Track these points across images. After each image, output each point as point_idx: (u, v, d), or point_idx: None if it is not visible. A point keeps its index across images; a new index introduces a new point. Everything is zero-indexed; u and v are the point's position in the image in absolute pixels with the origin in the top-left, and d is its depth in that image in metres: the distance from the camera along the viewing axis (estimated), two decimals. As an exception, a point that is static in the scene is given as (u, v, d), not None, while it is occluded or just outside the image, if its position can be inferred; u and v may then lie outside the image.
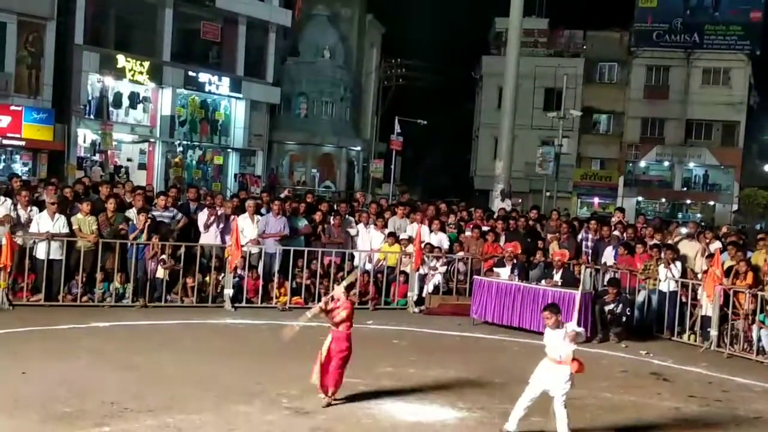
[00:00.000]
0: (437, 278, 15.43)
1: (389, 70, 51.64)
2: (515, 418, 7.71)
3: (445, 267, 15.62)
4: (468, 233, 16.49)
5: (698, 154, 53.38)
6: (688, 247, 14.48)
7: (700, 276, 13.63)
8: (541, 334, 12.91)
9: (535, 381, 7.72)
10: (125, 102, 34.83)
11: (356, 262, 15.37)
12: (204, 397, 8.22)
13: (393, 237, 15.42)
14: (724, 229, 17.03)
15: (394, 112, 44.42)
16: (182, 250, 13.73)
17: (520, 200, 39.15)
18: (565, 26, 54.72)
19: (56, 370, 8.96)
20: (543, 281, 13.93)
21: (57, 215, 12.93)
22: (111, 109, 33.30)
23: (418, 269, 14.95)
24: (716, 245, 14.21)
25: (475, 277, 14.78)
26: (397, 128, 41.46)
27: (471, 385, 9.44)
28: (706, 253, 14.06)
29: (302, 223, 15.38)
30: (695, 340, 13.32)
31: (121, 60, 33.33)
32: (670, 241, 14.97)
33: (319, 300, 14.19)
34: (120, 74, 33.29)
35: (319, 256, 14.68)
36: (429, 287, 15.33)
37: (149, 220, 13.41)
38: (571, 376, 7.54)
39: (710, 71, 52.75)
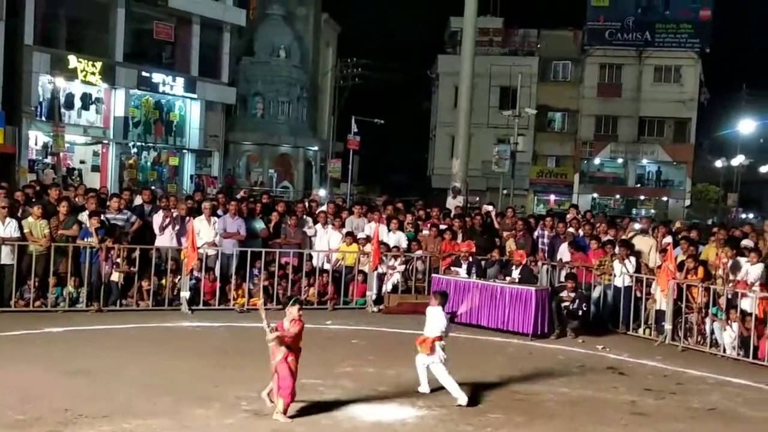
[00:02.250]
0: (396, 277, 15.44)
1: (345, 69, 51.60)
2: (456, 391, 8.59)
3: (404, 266, 15.64)
4: (425, 232, 16.54)
5: (651, 150, 54.29)
6: (642, 243, 14.70)
7: (654, 271, 13.83)
8: (499, 331, 13.14)
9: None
10: (77, 103, 34.28)
11: (315, 262, 15.32)
12: (161, 401, 8.11)
13: (351, 236, 15.41)
14: (677, 224, 17.30)
15: (351, 111, 44.41)
16: (137, 253, 13.55)
17: (477, 198, 39.41)
18: (520, 25, 55.26)
19: (8, 376, 8.77)
20: (500, 278, 14.04)
21: (8, 219, 12.66)
22: (63, 110, 32.70)
23: (376, 268, 14.95)
24: (669, 240, 14.44)
25: (433, 275, 14.83)
26: (354, 128, 41.46)
27: (430, 383, 9.44)
28: (660, 248, 14.30)
29: (260, 225, 15.29)
30: (650, 334, 13.52)
31: (73, 60, 32.80)
32: (623, 237, 15.18)
33: (278, 302, 14.22)
34: (72, 75, 32.75)
35: (276, 257, 14.61)
36: (388, 286, 15.34)
37: (101, 224, 13.20)
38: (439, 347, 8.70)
39: (662, 69, 53.68)
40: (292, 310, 7.88)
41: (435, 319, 8.86)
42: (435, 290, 9.37)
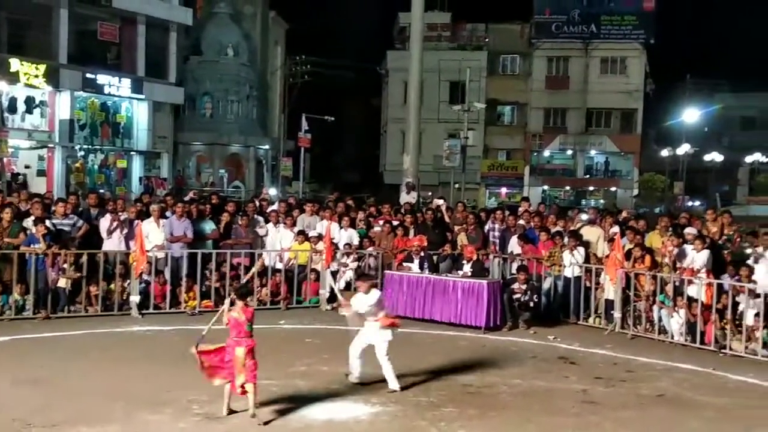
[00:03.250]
0: (348, 274, 15.43)
1: (294, 67, 51.35)
2: (392, 377, 8.98)
3: (356, 263, 15.64)
4: (377, 228, 16.55)
5: (599, 141, 55.11)
6: (590, 233, 14.90)
7: (602, 260, 14.04)
8: (452, 325, 13.21)
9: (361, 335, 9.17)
10: (21, 107, 33.62)
11: (267, 261, 15.22)
12: (113, 407, 8.00)
13: (303, 235, 15.35)
14: (624, 214, 17.58)
15: (301, 109, 44.27)
16: (84, 258, 13.34)
17: (430, 193, 39.55)
18: (467, 20, 55.55)
19: (-47, 389, 8.59)
20: (453, 273, 14.13)
21: (-51, 228, 12.38)
22: (6, 114, 31.98)
23: (329, 266, 14.92)
24: (616, 230, 14.66)
25: (386, 271, 14.85)
26: (305, 125, 41.34)
27: (384, 379, 9.47)
28: (607, 238, 14.52)
29: (209, 226, 15.14)
30: (600, 323, 13.73)
31: (15, 64, 32.13)
32: (572, 228, 15.38)
33: (231, 303, 14.09)
34: (14, 79, 32.09)
35: (228, 258, 14.50)
36: (340, 284, 15.31)
37: (47, 230, 12.97)
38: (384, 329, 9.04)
39: (608, 60, 54.48)
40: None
41: (374, 299, 9.18)
42: (359, 276, 9.66)
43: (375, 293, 9.26)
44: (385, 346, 9.03)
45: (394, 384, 8.97)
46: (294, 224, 15.91)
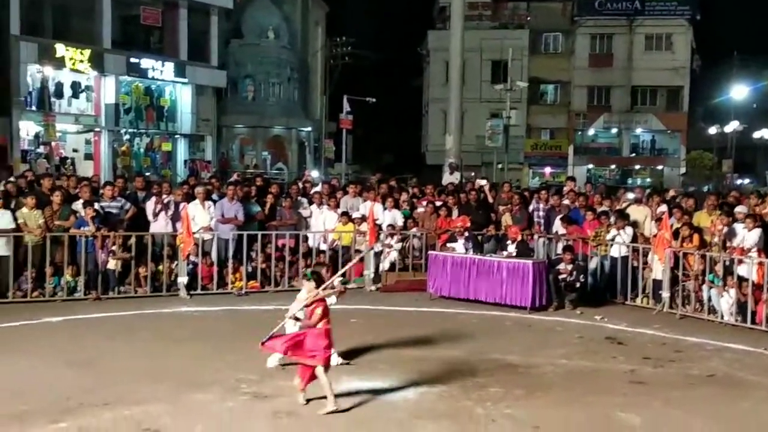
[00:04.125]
0: (393, 255, 15.45)
1: (335, 48, 51.28)
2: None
3: (400, 244, 15.64)
4: (421, 209, 16.53)
5: (645, 119, 54.24)
6: (637, 212, 14.71)
7: (650, 240, 13.85)
8: (497, 305, 13.17)
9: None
10: (67, 92, 34.10)
11: (311, 243, 15.31)
12: (162, 387, 8.12)
13: (346, 216, 15.39)
14: (672, 192, 17.31)
15: (342, 90, 44.21)
16: (133, 239, 13.54)
17: (473, 173, 39.35)
18: (509, -2, 54.92)
19: (8, 367, 8.79)
20: (497, 253, 14.06)
21: (2, 211, 12.64)
22: (53, 99, 32.54)
23: (372, 247, 14.95)
24: (663, 209, 14.44)
25: (430, 252, 14.83)
26: (346, 107, 41.29)
27: (430, 360, 9.48)
28: (655, 217, 14.31)
29: (256, 208, 15.27)
30: (648, 303, 13.57)
31: (61, 49, 32.56)
32: (618, 207, 15.19)
33: (276, 284, 14.25)
34: (60, 64, 32.56)
35: (273, 240, 14.61)
36: (385, 264, 15.35)
37: (96, 212, 13.19)
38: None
39: (653, 37, 53.49)
40: (309, 285, 7.76)
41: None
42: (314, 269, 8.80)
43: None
44: None
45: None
46: (337, 205, 15.96)
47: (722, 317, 12.36)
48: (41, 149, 32.19)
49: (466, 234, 14.53)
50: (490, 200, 17.19)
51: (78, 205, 13.63)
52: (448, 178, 22.61)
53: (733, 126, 52.83)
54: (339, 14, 53.93)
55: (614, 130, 55.06)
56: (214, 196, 15.17)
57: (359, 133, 49.80)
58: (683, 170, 54.11)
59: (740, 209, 13.62)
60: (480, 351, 10.12)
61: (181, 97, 39.37)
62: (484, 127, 42.96)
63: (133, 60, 36.01)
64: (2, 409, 7.26)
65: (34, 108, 32.30)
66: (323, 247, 15.30)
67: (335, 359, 8.95)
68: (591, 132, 55.47)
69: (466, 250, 14.25)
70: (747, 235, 12.61)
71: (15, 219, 12.78)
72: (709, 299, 12.66)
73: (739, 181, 52.23)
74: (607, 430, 7.20)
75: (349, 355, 9.54)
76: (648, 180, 51.33)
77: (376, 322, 12.01)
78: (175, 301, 13.16)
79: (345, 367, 9.07)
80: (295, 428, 7.05)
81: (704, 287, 12.74)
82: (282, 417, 7.31)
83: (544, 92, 56.00)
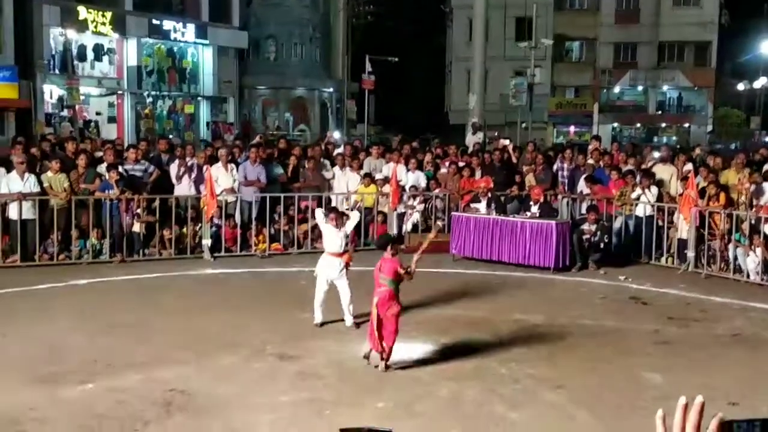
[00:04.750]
0: (415, 216, 15.42)
1: (357, 7, 50.75)
2: (318, 312, 9.11)
3: (423, 205, 15.60)
4: (444, 170, 16.45)
5: (671, 76, 53.33)
6: (663, 171, 14.55)
7: (676, 199, 13.71)
8: (521, 266, 13.13)
9: (319, 275, 9.06)
10: (90, 55, 34.11)
11: (333, 204, 15.30)
12: (188, 348, 8.22)
13: (369, 178, 15.35)
14: (697, 151, 17.08)
15: (364, 50, 43.79)
16: (157, 202, 13.62)
17: (496, 133, 39.06)
18: (533, -47, 53.92)
19: (37, 330, 8.92)
20: (521, 214, 14.00)
21: (27, 174, 12.73)
22: (76, 62, 32.57)
23: (395, 208, 14.93)
24: (689, 167, 14.27)
25: (453, 213, 14.79)
26: (369, 67, 40.94)
27: (453, 320, 9.50)
28: (681, 176, 14.15)
29: (279, 170, 15.28)
30: (673, 263, 13.48)
31: (83, 12, 32.52)
32: (644, 166, 15.02)
33: (299, 246, 14.29)
34: (82, 26, 32.52)
35: (295, 202, 14.63)
36: (408, 226, 15.33)
37: (120, 175, 13.26)
38: (344, 265, 9.02)
39: (681, -9, 52.40)
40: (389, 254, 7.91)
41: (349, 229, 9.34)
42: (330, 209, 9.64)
43: (349, 225, 9.22)
44: (343, 276, 9.07)
45: (350, 320, 9.14)
46: (360, 167, 15.92)
47: (748, 276, 12.25)
48: (65, 112, 32.33)
49: (489, 195, 14.45)
50: (514, 160, 17.06)
51: (102, 168, 13.71)
52: (471, 138, 22.45)
53: (762, 82, 51.87)
54: (361, -28, 53.25)
55: (640, 88, 54.25)
56: (240, 160, 15.19)
57: (382, 94, 49.49)
58: (710, 128, 53.31)
59: (768, 167, 13.42)
60: (503, 311, 10.12)
61: (203, 58, 39.27)
62: (507, 86, 42.39)
63: (155, 22, 35.91)
64: (30, 371, 7.39)
65: (57, 71, 32.37)
66: (346, 208, 15.29)
67: (349, 320, 9.04)
68: (616, 90, 54.70)
69: (489, 210, 14.18)
70: (775, 194, 12.45)
71: (40, 182, 12.88)
72: (735, 258, 12.54)
73: (767, 139, 51.43)
74: (631, 390, 7.19)
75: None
76: (674, 138, 50.65)
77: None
78: (200, 264, 13.25)
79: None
80: (320, 388, 7.12)
81: (730, 246, 12.62)
82: (307, 378, 7.38)
83: (569, 49, 55.18)
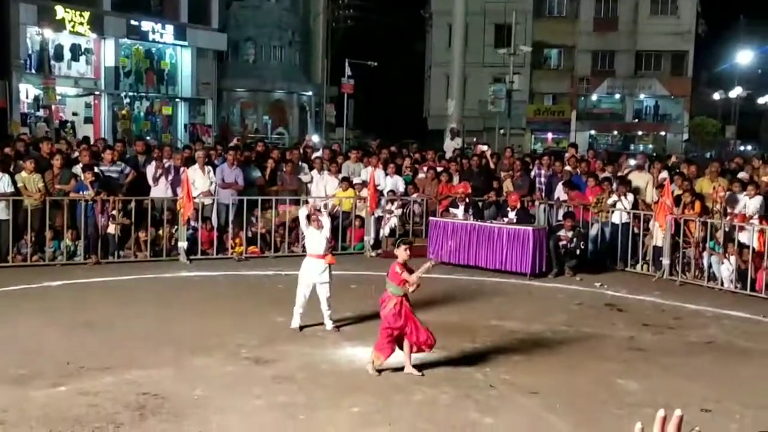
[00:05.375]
0: (393, 221, 15.43)
1: (337, 11, 50.75)
2: (297, 317, 9.08)
3: (401, 209, 15.61)
4: (422, 175, 16.47)
5: (648, 85, 53.80)
6: (639, 179, 14.66)
7: (651, 206, 13.81)
8: (498, 271, 13.17)
9: (302, 279, 9.05)
10: (67, 54, 33.84)
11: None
12: (163, 351, 8.15)
13: (347, 182, 15.34)
14: (673, 159, 17.23)
15: (344, 54, 43.81)
16: (132, 204, 13.51)
17: (474, 139, 39.17)
18: (513, -40, 54.18)
19: (8, 331, 8.81)
20: (498, 219, 14.04)
21: (0, 174, 12.59)
22: (53, 62, 32.26)
23: (373, 213, 14.92)
24: (665, 175, 14.39)
25: (430, 218, 14.81)
26: (348, 71, 40.94)
27: (429, 325, 9.48)
28: (656, 184, 14.26)
29: (256, 174, 15.22)
30: (648, 270, 13.57)
31: (60, 11, 32.25)
32: (620, 174, 15.13)
33: (276, 249, 14.24)
34: (60, 26, 32.24)
35: (273, 205, 14.58)
36: (385, 230, 15.34)
37: (95, 176, 13.14)
38: (328, 267, 9.03)
39: (658, 1, 52.84)
40: (400, 252, 7.77)
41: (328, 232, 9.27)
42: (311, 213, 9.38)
43: (327, 225, 9.16)
44: (327, 280, 9.05)
45: (330, 324, 9.16)
46: (339, 171, 15.90)
47: (722, 284, 12.37)
48: (41, 112, 32.03)
49: (467, 200, 14.48)
50: (492, 166, 17.13)
51: (78, 169, 13.58)
52: (450, 143, 22.51)
53: (737, 92, 52.47)
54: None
55: (617, 96, 54.67)
56: (217, 162, 15.12)
57: (361, 98, 49.48)
58: (686, 136, 53.83)
59: (743, 175, 13.56)
60: (479, 317, 10.14)
61: (182, 60, 39.07)
62: (486, 92, 42.54)
63: (133, 22, 35.68)
64: (2, 373, 7.29)
65: (33, 71, 32.09)
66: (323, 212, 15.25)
67: (329, 325, 9.05)
68: (594, 97, 55.09)
69: (467, 216, 14.22)
70: (749, 202, 12.59)
71: (14, 183, 12.73)
72: (710, 266, 12.66)
73: (742, 148, 51.99)
74: (606, 396, 7.22)
75: (348, 321, 9.56)
76: (651, 146, 51.06)
77: (377, 288, 11.98)
78: (175, 266, 13.16)
79: (345, 332, 9.11)
80: (295, 392, 7.07)
81: (705, 254, 12.74)
82: (281, 382, 7.33)
83: (548, 57, 55.52)
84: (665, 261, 13.13)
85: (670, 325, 10.09)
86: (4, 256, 12.59)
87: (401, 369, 7.76)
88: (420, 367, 7.81)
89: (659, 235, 13.23)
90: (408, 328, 7.57)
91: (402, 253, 7.74)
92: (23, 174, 12.91)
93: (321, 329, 9.10)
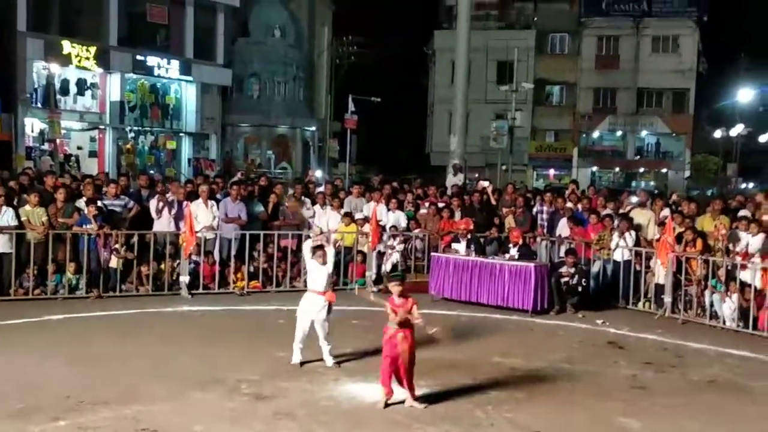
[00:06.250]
0: (395, 257, 15.43)
1: (341, 48, 51.23)
2: (297, 352, 9.12)
3: (403, 245, 15.63)
4: (424, 210, 16.52)
5: (650, 122, 54.04)
6: (641, 216, 14.68)
7: (653, 244, 13.82)
8: (499, 308, 13.15)
9: (301, 314, 9.03)
10: (73, 89, 34.08)
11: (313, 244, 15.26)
12: (162, 386, 8.13)
13: (349, 217, 15.37)
14: (674, 197, 17.27)
15: (347, 90, 44.14)
16: (135, 238, 13.55)
17: (477, 175, 39.31)
18: (516, -2, 54.82)
19: (9, 365, 8.81)
20: (500, 255, 14.04)
21: (4, 208, 12.64)
22: (58, 96, 32.49)
23: (375, 248, 14.94)
24: (666, 213, 14.41)
25: (432, 254, 14.82)
26: (351, 106, 41.23)
27: (431, 362, 9.45)
28: (658, 221, 14.28)
29: (259, 208, 15.28)
30: (650, 308, 13.54)
31: (67, 46, 32.56)
32: (622, 211, 15.16)
33: (278, 284, 14.24)
34: (66, 60, 32.52)
35: (275, 240, 14.60)
36: (387, 266, 15.33)
37: (99, 210, 13.20)
38: (327, 304, 8.97)
39: (659, 39, 53.28)
40: (392, 287, 7.96)
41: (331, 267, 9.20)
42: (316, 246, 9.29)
43: (331, 260, 9.11)
44: (325, 317, 9.04)
45: (331, 360, 9.14)
46: (341, 206, 15.95)
47: (724, 323, 12.33)
48: (46, 146, 32.17)
49: (469, 236, 14.50)
50: (493, 202, 17.18)
51: (81, 203, 13.64)
52: (452, 179, 22.59)
53: (738, 129, 52.65)
54: (345, 13, 53.86)
55: (619, 133, 54.91)
56: (219, 196, 15.18)
57: (364, 133, 49.75)
58: (688, 174, 53.94)
59: (743, 213, 13.58)
60: (481, 354, 10.11)
61: (187, 95, 39.37)
62: (488, 128, 42.87)
63: (138, 57, 36.01)
64: (2, 407, 7.27)
65: (39, 105, 32.31)
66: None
67: (329, 361, 9.01)
68: (596, 134, 55.31)
69: (469, 252, 14.23)
70: (751, 240, 12.59)
71: (18, 216, 12.79)
72: (711, 304, 12.63)
73: (743, 185, 52.04)
74: (606, 436, 7.18)
75: (349, 357, 9.54)
76: (652, 183, 51.12)
77: (378, 323, 11.95)
78: (177, 300, 13.16)
79: (346, 368, 9.08)
80: (295, 429, 7.05)
81: (706, 292, 12.71)
82: (281, 418, 7.31)
83: (550, 93, 55.87)
84: (667, 299, 13.11)
85: (672, 364, 10.05)
86: (6, 290, 12.60)
87: (400, 405, 7.74)
88: (423, 398, 7.79)
89: (661, 273, 13.22)
90: (400, 359, 7.64)
91: (393, 288, 7.95)
92: (27, 207, 12.96)
93: (321, 365, 9.08)
